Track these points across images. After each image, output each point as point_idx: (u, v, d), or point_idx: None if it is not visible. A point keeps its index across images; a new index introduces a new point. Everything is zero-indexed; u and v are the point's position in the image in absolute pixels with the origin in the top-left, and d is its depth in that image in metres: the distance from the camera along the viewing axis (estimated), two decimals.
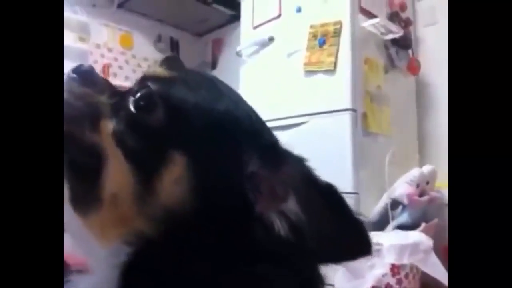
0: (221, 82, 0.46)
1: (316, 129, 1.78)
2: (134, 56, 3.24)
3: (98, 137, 0.42)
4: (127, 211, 0.40)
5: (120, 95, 0.45)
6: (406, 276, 1.34)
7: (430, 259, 1.36)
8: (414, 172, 1.70)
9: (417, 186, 1.67)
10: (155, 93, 0.42)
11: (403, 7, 2.05)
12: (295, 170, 0.40)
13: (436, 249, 1.44)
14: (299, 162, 0.41)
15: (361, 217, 0.38)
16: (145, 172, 0.39)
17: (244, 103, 0.46)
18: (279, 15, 2.08)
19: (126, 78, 3.10)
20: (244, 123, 0.43)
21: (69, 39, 2.79)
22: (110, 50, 3.14)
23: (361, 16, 1.83)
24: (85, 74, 0.46)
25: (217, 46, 3.38)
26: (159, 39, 3.36)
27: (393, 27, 1.87)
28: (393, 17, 1.96)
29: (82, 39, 2.94)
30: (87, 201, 0.41)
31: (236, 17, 2.74)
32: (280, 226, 0.37)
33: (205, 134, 0.41)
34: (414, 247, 1.35)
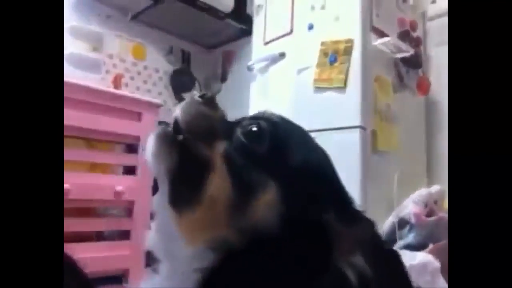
0: (313, 138, 0.54)
1: (325, 146, 1.77)
2: (145, 67, 3.28)
3: (210, 151, 0.49)
4: (219, 218, 0.45)
5: (231, 124, 0.54)
6: None
7: (437, 281, 1.34)
8: (422, 192, 1.69)
9: (425, 205, 1.65)
10: (264, 130, 0.50)
11: (414, 27, 2.06)
12: (365, 231, 0.44)
13: (444, 271, 1.42)
14: (370, 224, 0.46)
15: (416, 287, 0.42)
16: (243, 189, 0.46)
17: (330, 160, 0.52)
18: (291, 32, 2.10)
19: (137, 88, 3.14)
20: (329, 177, 0.50)
21: (83, 49, 2.84)
22: (122, 60, 3.18)
23: (372, 35, 1.84)
24: (210, 101, 0.54)
25: (228, 60, 3.41)
26: (170, 51, 3.41)
27: (404, 46, 1.88)
28: (404, 36, 1.97)
29: (95, 49, 2.99)
30: (186, 201, 0.46)
31: (247, 32, 2.77)
32: (351, 275, 0.41)
33: (298, 174, 0.47)
34: (421, 268, 1.34)
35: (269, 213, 0.44)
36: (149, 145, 0.50)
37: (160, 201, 0.49)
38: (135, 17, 3.16)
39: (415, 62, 2.02)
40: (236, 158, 0.48)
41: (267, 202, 0.45)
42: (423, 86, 2.08)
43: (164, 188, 0.49)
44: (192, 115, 0.51)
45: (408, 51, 1.90)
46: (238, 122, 0.53)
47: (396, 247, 1.60)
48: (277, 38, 2.16)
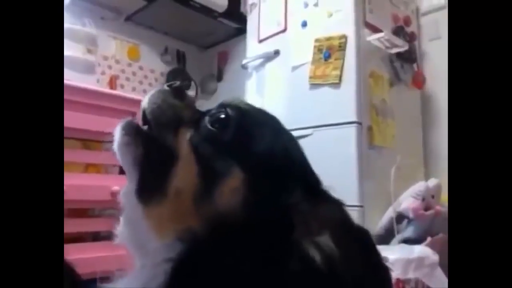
0: (281, 123, 0.54)
1: (321, 142, 1.78)
2: (141, 68, 3.27)
3: (176, 140, 0.49)
4: (186, 209, 0.45)
5: (199, 113, 0.54)
6: None
7: (436, 274, 1.34)
8: (420, 186, 1.70)
9: (423, 200, 1.66)
10: (230, 117, 0.49)
11: (407, 22, 2.07)
12: (332, 211, 0.44)
13: (443, 264, 1.42)
14: (338, 204, 0.45)
15: (388, 265, 0.43)
16: (209, 177, 0.45)
17: (297, 144, 0.52)
18: (285, 29, 2.10)
19: (133, 89, 3.14)
20: (296, 160, 0.50)
21: (77, 51, 2.83)
22: (117, 62, 3.17)
23: (366, 30, 1.84)
24: (177, 90, 0.54)
25: (223, 59, 3.41)
26: (165, 51, 3.40)
27: (398, 41, 1.88)
28: (398, 31, 1.98)
29: (90, 51, 2.98)
30: (153, 192, 0.46)
31: (242, 31, 2.77)
32: (316, 255, 0.40)
33: (263, 160, 0.47)
34: (419, 262, 1.34)
35: (234, 199, 0.44)
36: (115, 136, 0.50)
37: (127, 194, 0.49)
38: (129, 18, 3.16)
39: (409, 57, 2.02)
40: (202, 146, 0.48)
41: (231, 188, 0.44)
42: (418, 81, 2.08)
43: (131, 180, 0.49)
44: (158, 104, 0.51)
45: (402, 46, 1.90)
46: (207, 111, 0.53)
47: (394, 241, 1.60)
48: (271, 36, 2.16)
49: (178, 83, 0.55)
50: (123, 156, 0.50)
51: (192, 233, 0.43)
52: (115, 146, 0.50)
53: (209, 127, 0.49)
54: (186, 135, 0.49)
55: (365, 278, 0.41)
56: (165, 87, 0.54)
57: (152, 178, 0.47)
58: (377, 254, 0.42)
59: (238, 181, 0.45)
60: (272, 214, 0.43)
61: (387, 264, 0.42)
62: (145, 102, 0.52)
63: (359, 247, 0.41)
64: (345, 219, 0.44)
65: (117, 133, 0.50)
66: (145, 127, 0.51)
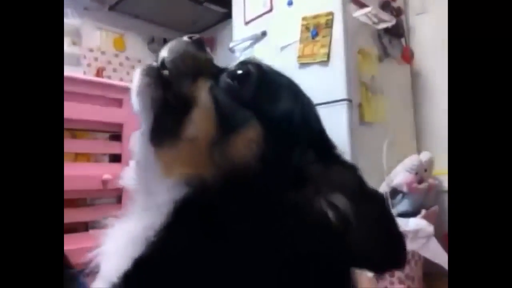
0: (300, 87, 0.54)
1: None
2: (127, 58, 3.24)
3: (194, 88, 0.49)
4: (200, 155, 0.45)
5: (218, 68, 0.54)
6: (408, 262, 1.34)
7: (431, 245, 1.35)
8: (413, 160, 1.70)
9: (416, 173, 1.66)
10: (252, 74, 0.49)
11: None
12: (346, 173, 0.43)
13: (438, 236, 1.43)
14: (351, 168, 0.45)
15: (403, 232, 0.41)
16: (227, 127, 0.46)
17: (314, 108, 0.53)
18: (271, 9, 2.07)
19: (121, 79, 3.10)
20: (312, 123, 0.50)
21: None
22: (103, 53, 3.13)
23: (352, 6, 1.82)
24: (198, 42, 0.54)
25: (210, 45, 3.37)
26: (152, 40, 3.36)
27: (385, 16, 1.87)
28: (385, 6, 1.96)
29: (74, 43, 2.93)
30: (167, 135, 0.47)
31: (228, 15, 2.73)
32: (330, 214, 0.40)
33: (281, 118, 0.47)
34: (414, 234, 1.35)
35: (249, 151, 0.44)
36: (135, 80, 0.50)
37: (141, 138, 0.49)
38: (113, 7, 3.10)
39: (397, 32, 2.01)
40: (220, 96, 0.48)
41: (248, 139, 0.44)
42: (407, 56, 2.07)
43: (146, 124, 0.49)
44: (179, 53, 0.51)
45: (389, 21, 1.89)
46: (225, 68, 0.53)
47: None
48: (258, 17, 2.13)
49: (198, 36, 0.54)
50: (141, 97, 0.49)
51: (202, 179, 0.43)
52: (134, 89, 0.49)
53: (229, 81, 0.49)
54: (205, 85, 0.49)
55: (379, 242, 0.40)
56: (187, 39, 0.54)
57: (167, 121, 0.47)
58: (391, 219, 0.41)
59: (255, 133, 0.45)
60: (285, 170, 0.43)
61: (402, 231, 0.41)
62: (164, 51, 0.52)
63: (373, 210, 0.40)
64: (359, 182, 0.43)
65: (137, 75, 0.50)
66: (165, 72, 0.50)
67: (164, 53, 0.51)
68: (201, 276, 0.40)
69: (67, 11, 2.87)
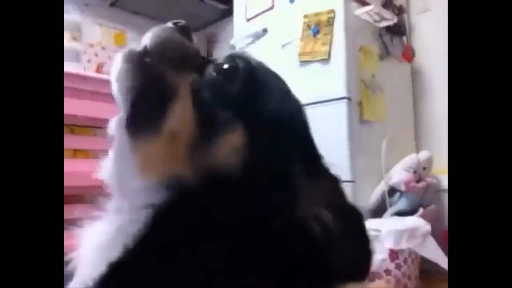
0: (291, 89, 0.51)
1: (312, 119, 1.77)
2: None
3: (177, 80, 0.45)
4: (179, 153, 0.42)
5: (205, 59, 0.49)
6: (405, 261, 1.34)
7: (428, 243, 1.35)
8: (411, 159, 1.70)
9: (414, 172, 1.66)
10: (240, 69, 0.46)
11: None
12: (330, 186, 0.43)
13: (435, 234, 1.44)
14: (335, 180, 0.44)
15: (374, 247, 0.42)
16: (208, 127, 0.42)
17: (305, 113, 0.49)
18: (272, 6, 2.07)
19: None
20: (301, 130, 0.47)
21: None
22: (103, 48, 3.13)
23: (354, 4, 1.82)
24: (184, 28, 0.49)
25: (211, 41, 3.37)
26: None
27: (387, 14, 1.86)
28: (387, 4, 1.95)
29: (75, 39, 2.93)
30: (145, 126, 0.43)
31: (229, 12, 2.72)
32: (315, 227, 0.39)
33: (268, 121, 0.44)
34: (412, 232, 1.35)
35: (233, 156, 0.41)
36: (115, 64, 0.46)
37: (118, 125, 0.45)
38: (114, 3, 3.10)
39: (398, 31, 2.00)
40: (204, 91, 0.44)
41: (232, 143, 0.42)
42: (408, 54, 2.07)
43: (124, 111, 0.45)
44: (162, 39, 0.47)
45: (391, 19, 1.88)
46: (212, 59, 0.49)
47: (387, 214, 1.61)
48: (259, 14, 2.13)
49: (184, 22, 0.50)
50: (120, 83, 0.45)
51: (181, 181, 0.40)
52: (113, 73, 0.46)
53: (215, 74, 0.46)
54: (188, 77, 0.46)
55: (352, 254, 0.41)
56: (171, 25, 0.49)
57: (145, 110, 0.44)
58: (366, 235, 0.42)
59: (239, 139, 0.42)
60: (271, 179, 0.41)
61: (373, 248, 0.42)
62: (147, 37, 0.47)
63: (351, 226, 0.41)
64: (341, 196, 0.43)
65: (118, 60, 0.46)
66: (147, 59, 0.47)
67: (146, 39, 0.47)
68: (180, 285, 0.38)
69: (68, 6, 2.87)
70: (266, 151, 0.42)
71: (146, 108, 0.44)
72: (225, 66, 0.46)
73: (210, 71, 0.46)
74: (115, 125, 0.46)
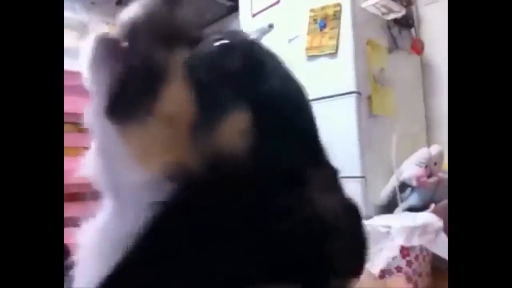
0: (293, 73, 0.46)
1: (321, 114, 1.74)
2: None
3: (166, 56, 0.39)
4: (180, 139, 0.37)
5: (199, 32, 0.44)
6: (416, 258, 1.32)
7: (440, 240, 1.33)
8: (422, 154, 1.67)
9: (425, 167, 1.64)
10: (238, 46, 0.42)
11: None
12: (333, 180, 0.41)
13: (447, 230, 1.41)
14: (334, 172, 0.41)
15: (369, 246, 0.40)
16: (210, 109, 0.38)
17: (307, 98, 0.45)
18: (278, 1, 2.05)
19: None
20: (306, 111, 0.43)
21: (69, 38, 2.79)
22: None
23: None
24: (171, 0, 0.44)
25: None
26: None
27: (395, 6, 1.83)
28: None
29: (81, 37, 2.94)
30: (133, 109, 0.37)
31: (235, 8, 2.71)
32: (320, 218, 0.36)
33: (275, 100, 0.40)
34: (423, 229, 1.33)
35: (238, 140, 0.37)
36: (85, 52, 0.40)
37: (97, 114, 0.38)
38: (120, 2, 3.10)
39: (407, 23, 1.97)
40: (201, 68, 0.39)
41: (237, 125, 0.37)
42: (417, 47, 2.03)
43: (101, 99, 0.39)
44: (145, 13, 0.41)
45: (399, 12, 1.85)
46: (209, 34, 0.43)
47: (398, 210, 1.59)
48: (265, 9, 2.11)
49: None
50: (95, 73, 0.39)
51: (186, 170, 0.35)
52: (84, 63, 0.40)
53: (211, 50, 0.41)
54: (181, 54, 0.40)
55: (353, 250, 0.39)
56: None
57: (131, 95, 0.38)
58: (361, 228, 0.40)
59: (245, 119, 0.37)
60: (279, 166, 0.37)
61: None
62: (126, 13, 0.41)
63: (349, 218, 0.39)
64: (338, 188, 0.41)
65: (88, 47, 0.40)
66: (125, 43, 0.41)
67: (125, 15, 0.41)
68: (188, 285, 0.34)
69: (74, 5, 2.88)
70: (274, 134, 0.38)
71: (133, 92, 0.38)
72: (223, 41, 0.41)
73: (207, 45, 0.41)
74: (92, 115, 0.39)
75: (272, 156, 0.38)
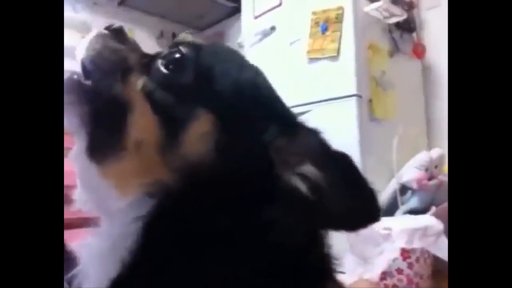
0: (244, 56, 0.49)
1: (321, 117, 1.76)
2: None
3: (126, 89, 0.44)
4: (151, 160, 0.40)
5: (149, 56, 0.48)
6: (417, 260, 1.33)
7: (441, 242, 1.33)
8: (423, 157, 1.68)
9: (426, 170, 1.64)
10: (186, 57, 0.45)
11: None
12: (310, 140, 0.41)
13: (447, 233, 1.42)
14: (314, 133, 0.42)
15: (372, 186, 0.40)
16: (172, 125, 0.41)
17: (264, 77, 0.48)
18: (280, 4, 2.06)
19: None
20: (265, 94, 0.45)
21: (71, 38, 2.80)
22: None
23: (363, 0, 1.80)
24: (118, 32, 0.48)
25: (219, 39, 3.36)
26: (161, 35, 3.35)
27: (396, 10, 1.84)
28: (396, 0, 1.93)
29: (83, 38, 2.94)
30: (108, 149, 0.42)
31: (237, 9, 2.72)
32: (301, 186, 0.38)
33: (231, 98, 0.43)
34: (424, 231, 1.33)
35: (204, 144, 0.40)
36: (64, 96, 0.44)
37: (79, 155, 0.44)
38: (122, 2, 3.10)
39: (408, 27, 1.98)
40: (158, 92, 0.43)
41: (200, 130, 0.41)
42: (418, 51, 2.04)
43: (80, 140, 0.44)
44: (98, 51, 0.45)
45: (401, 15, 1.86)
46: (158, 54, 0.47)
47: (398, 212, 1.59)
48: (267, 12, 2.12)
49: (117, 24, 0.48)
50: (67, 116, 0.43)
51: (163, 186, 0.39)
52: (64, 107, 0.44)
53: (163, 70, 0.44)
54: (137, 82, 0.44)
55: (351, 200, 0.39)
56: (103, 30, 0.47)
57: (103, 134, 0.42)
58: (359, 176, 0.40)
59: (206, 124, 0.41)
60: (248, 155, 0.40)
61: (372, 186, 0.40)
62: (81, 50, 0.45)
63: (342, 170, 0.39)
64: (323, 146, 0.41)
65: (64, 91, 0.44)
66: (88, 82, 0.45)
67: (81, 53, 0.45)
68: None
69: (77, 6, 2.88)
70: (236, 128, 0.41)
71: (104, 131, 0.43)
72: (171, 58, 0.45)
73: (158, 67, 0.45)
74: (75, 155, 0.45)
75: (237, 146, 0.40)
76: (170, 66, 0.44)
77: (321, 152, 0.40)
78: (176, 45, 0.46)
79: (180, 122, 0.41)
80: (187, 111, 0.41)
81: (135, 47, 0.49)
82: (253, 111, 0.42)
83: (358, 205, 0.39)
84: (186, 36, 0.49)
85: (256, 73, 0.47)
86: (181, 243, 0.38)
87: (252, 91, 0.44)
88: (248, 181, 0.39)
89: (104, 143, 0.42)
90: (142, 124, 0.42)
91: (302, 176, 0.39)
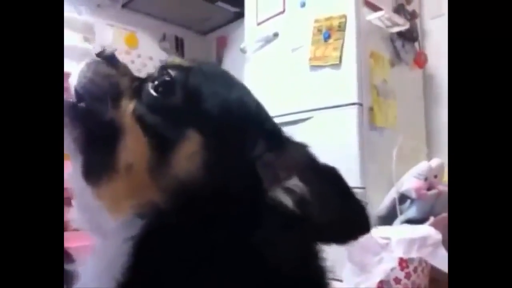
0: (232, 75, 0.51)
1: (322, 124, 1.77)
2: (139, 56, 3.24)
3: (117, 113, 0.46)
4: (141, 182, 0.42)
5: (139, 80, 0.50)
6: (415, 270, 1.33)
7: (439, 252, 1.34)
8: (422, 166, 1.68)
9: (425, 179, 1.65)
10: (175, 80, 0.46)
11: (409, 0, 2.03)
12: (298, 154, 0.42)
13: (446, 243, 1.42)
14: (301, 147, 0.43)
15: (361, 199, 0.41)
16: (161, 146, 0.43)
17: (252, 95, 0.49)
18: (283, 11, 2.07)
19: None
20: (252, 112, 0.47)
21: (74, 40, 2.81)
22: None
23: (366, 9, 1.81)
24: (109, 58, 0.50)
25: (222, 44, 3.37)
26: (163, 38, 3.37)
27: (399, 19, 1.85)
28: (399, 9, 1.94)
29: (87, 39, 2.95)
30: (101, 171, 0.44)
31: (240, 14, 2.73)
32: (287, 200, 0.40)
33: (218, 118, 0.44)
34: (422, 241, 1.33)
35: (193, 164, 0.42)
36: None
37: (75, 176, 0.46)
38: (125, 5, 3.12)
39: (410, 36, 1.99)
40: (148, 115, 0.45)
41: (188, 150, 0.42)
42: (420, 60, 2.05)
43: (75, 162, 0.46)
44: (89, 77, 0.47)
45: (403, 25, 1.87)
46: (148, 77, 0.49)
47: (397, 222, 1.59)
48: (270, 18, 2.13)
49: (108, 50, 0.51)
50: (65, 138, 0.46)
51: (154, 206, 0.41)
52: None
53: (153, 93, 0.46)
54: (128, 106, 0.46)
55: (340, 213, 0.40)
56: (95, 58, 0.50)
57: (97, 157, 0.45)
58: (347, 189, 0.41)
59: (195, 144, 0.42)
60: (237, 172, 0.42)
61: (360, 199, 0.41)
62: (74, 77, 0.48)
63: (329, 183, 0.40)
64: (311, 160, 0.42)
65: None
66: (81, 104, 0.47)
67: (74, 79, 0.47)
68: None
69: (80, 8, 2.90)
70: (225, 144, 0.43)
71: (96, 154, 0.45)
72: (161, 81, 0.47)
73: (148, 91, 0.47)
74: (71, 177, 0.47)
75: (225, 164, 0.42)
76: (160, 89, 0.46)
77: (309, 166, 0.41)
78: (164, 68, 0.48)
79: (169, 143, 0.43)
80: (176, 132, 0.43)
81: (126, 71, 0.51)
82: (241, 129, 0.44)
83: (346, 218, 0.40)
84: (174, 59, 0.51)
85: (243, 91, 0.49)
86: (172, 262, 0.39)
87: (240, 109, 0.46)
88: (237, 198, 0.40)
89: (98, 166, 0.44)
90: (132, 147, 0.44)
91: (289, 191, 0.40)
